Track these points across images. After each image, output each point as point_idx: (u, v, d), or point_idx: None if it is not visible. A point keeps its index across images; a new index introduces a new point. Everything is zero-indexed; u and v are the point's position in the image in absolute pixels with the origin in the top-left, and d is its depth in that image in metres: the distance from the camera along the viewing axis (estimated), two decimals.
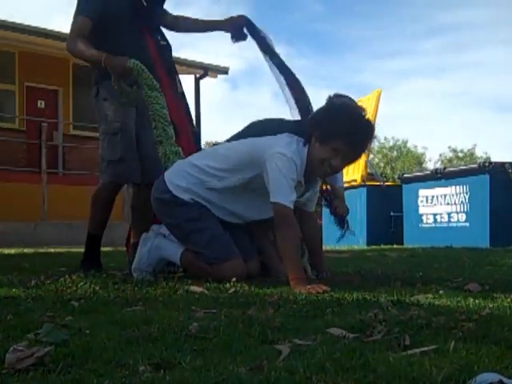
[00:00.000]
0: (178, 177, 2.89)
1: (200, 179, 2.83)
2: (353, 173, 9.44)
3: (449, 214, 8.51)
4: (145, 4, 3.46)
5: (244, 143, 2.89)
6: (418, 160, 39.99)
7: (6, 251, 6.70)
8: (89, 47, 3.26)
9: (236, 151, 2.84)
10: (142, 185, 3.42)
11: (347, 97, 3.06)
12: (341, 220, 3.34)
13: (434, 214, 8.78)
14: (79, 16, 3.30)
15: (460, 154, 40.41)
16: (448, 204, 8.50)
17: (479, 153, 39.21)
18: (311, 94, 3.26)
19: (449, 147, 41.41)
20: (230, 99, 63.64)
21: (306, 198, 2.85)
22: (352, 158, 2.74)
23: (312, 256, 3.02)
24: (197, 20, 3.66)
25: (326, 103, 2.84)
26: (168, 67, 3.52)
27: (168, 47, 3.57)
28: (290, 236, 2.56)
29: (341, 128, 2.58)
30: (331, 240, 9.25)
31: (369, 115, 2.74)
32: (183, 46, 60.26)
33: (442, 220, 8.65)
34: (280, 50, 3.43)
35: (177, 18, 3.60)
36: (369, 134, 2.71)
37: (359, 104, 2.90)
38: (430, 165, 39.37)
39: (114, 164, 3.34)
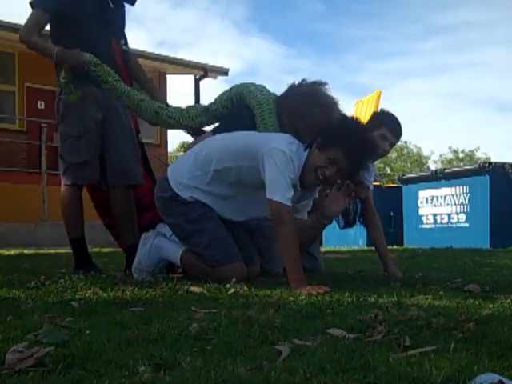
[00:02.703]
0: (179, 173, 2.89)
1: (200, 172, 2.82)
2: None
3: (449, 215, 8.51)
4: (111, 5, 3.44)
5: (244, 134, 2.87)
6: (417, 160, 39.96)
7: (6, 252, 6.70)
8: (44, 39, 3.29)
9: (235, 141, 2.82)
10: (118, 185, 3.38)
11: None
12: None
13: (434, 215, 8.79)
14: (35, 8, 3.30)
15: (461, 155, 40.38)
16: (448, 205, 8.50)
17: (479, 154, 39.15)
18: None
19: (449, 147, 41.44)
20: None
21: (300, 205, 2.83)
22: (349, 173, 2.68)
23: None
24: (141, 68, 3.69)
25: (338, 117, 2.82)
26: (129, 75, 3.54)
27: (128, 52, 3.58)
28: (288, 235, 2.54)
29: (341, 138, 2.57)
30: (331, 240, 9.29)
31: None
32: (183, 46, 60.35)
33: (442, 221, 8.65)
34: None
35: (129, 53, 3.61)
36: (369, 152, 2.68)
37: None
38: (430, 165, 39.41)
39: (77, 167, 3.32)
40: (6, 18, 11.35)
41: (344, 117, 2.80)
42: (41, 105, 12.64)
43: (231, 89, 3.07)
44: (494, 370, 1.10)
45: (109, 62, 3.36)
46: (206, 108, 3.11)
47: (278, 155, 2.56)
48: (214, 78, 14.35)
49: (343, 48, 67.98)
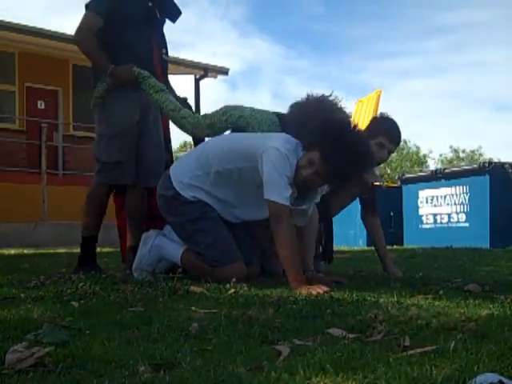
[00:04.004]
0: (182, 172, 2.89)
1: (201, 172, 2.82)
2: None
3: (449, 215, 8.51)
4: (158, 16, 3.48)
5: (244, 136, 2.87)
6: (417, 159, 39.96)
7: (6, 252, 6.70)
8: (99, 49, 3.28)
9: (235, 142, 2.83)
10: (137, 186, 3.41)
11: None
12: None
13: (434, 215, 8.79)
14: (90, 12, 3.31)
15: (462, 155, 40.38)
16: (448, 204, 8.50)
17: (487, 154, 39.07)
18: None
19: (450, 147, 41.45)
20: (229, 100, 63.64)
21: (300, 209, 2.77)
22: (332, 178, 2.65)
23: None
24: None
25: (323, 115, 2.76)
26: (165, 81, 3.56)
27: (167, 61, 3.61)
28: (286, 235, 2.53)
29: (321, 141, 2.56)
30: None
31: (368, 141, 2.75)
32: (183, 46, 60.31)
33: (442, 220, 8.65)
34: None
35: None
36: (353, 159, 2.55)
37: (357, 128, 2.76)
38: (430, 164, 39.42)
39: (110, 166, 3.33)
40: (7, 18, 11.36)
41: (332, 120, 2.73)
42: (41, 105, 12.64)
43: (240, 118, 3.02)
44: (493, 370, 1.10)
45: (149, 68, 3.36)
46: (212, 124, 3.11)
47: (274, 154, 2.56)
48: (214, 77, 14.35)
49: (343, 48, 67.99)
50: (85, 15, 3.33)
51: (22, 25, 11.42)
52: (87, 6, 3.34)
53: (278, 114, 3.07)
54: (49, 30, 11.78)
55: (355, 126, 2.71)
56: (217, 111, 3.13)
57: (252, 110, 3.07)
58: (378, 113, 3.27)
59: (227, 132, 3.17)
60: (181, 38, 63.90)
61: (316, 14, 62.87)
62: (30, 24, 11.58)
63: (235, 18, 65.65)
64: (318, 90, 2.96)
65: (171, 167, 3.01)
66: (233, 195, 2.82)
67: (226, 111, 3.07)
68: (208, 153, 2.85)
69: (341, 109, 2.95)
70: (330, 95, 2.94)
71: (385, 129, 3.15)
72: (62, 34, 11.92)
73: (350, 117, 3.04)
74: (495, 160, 12.75)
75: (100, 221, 3.43)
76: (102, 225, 3.64)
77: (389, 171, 36.68)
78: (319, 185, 2.75)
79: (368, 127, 3.19)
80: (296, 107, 2.95)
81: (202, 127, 3.13)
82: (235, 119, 3.02)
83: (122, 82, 3.26)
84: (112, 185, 3.43)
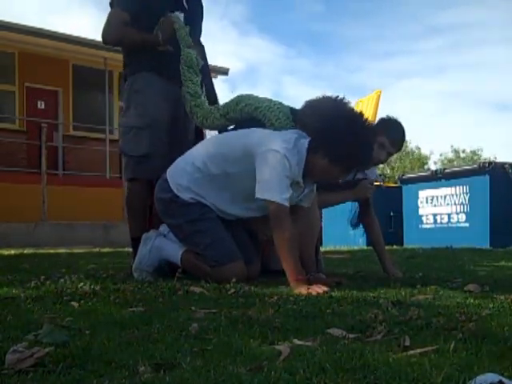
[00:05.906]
0: (180, 175, 2.89)
1: (199, 175, 2.82)
2: None
3: (449, 215, 8.51)
4: (186, 7, 3.36)
5: (240, 136, 2.84)
6: (418, 159, 39.96)
7: (6, 252, 6.70)
8: (135, 31, 3.17)
9: (231, 144, 2.82)
10: (140, 180, 3.29)
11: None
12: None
13: (434, 215, 8.79)
14: (116, 8, 3.22)
15: (462, 155, 40.41)
16: (448, 204, 8.51)
17: (486, 154, 39.12)
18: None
19: (451, 146, 41.54)
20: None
21: (303, 195, 2.82)
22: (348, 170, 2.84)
23: (300, 253, 2.75)
24: None
25: (331, 114, 2.70)
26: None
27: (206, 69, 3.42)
28: (286, 235, 2.53)
29: (352, 156, 2.62)
30: (331, 240, 9.29)
31: (369, 118, 2.75)
32: None
33: (442, 220, 8.66)
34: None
35: None
36: (371, 150, 2.78)
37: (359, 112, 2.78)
38: (431, 166, 39.43)
39: (137, 160, 3.21)
40: (6, 18, 11.38)
41: (349, 126, 2.64)
42: (41, 105, 12.66)
43: (257, 109, 2.95)
44: (493, 370, 1.10)
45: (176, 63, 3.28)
46: (225, 114, 3.07)
47: (273, 156, 2.55)
48: (214, 77, 14.33)
49: (343, 48, 67.94)
50: (110, 13, 3.25)
51: (21, 25, 11.44)
52: (111, 4, 3.26)
53: (291, 109, 3.04)
54: (48, 30, 11.80)
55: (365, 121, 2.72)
56: (231, 100, 3.06)
57: (269, 101, 2.99)
58: (386, 114, 3.25)
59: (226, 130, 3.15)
60: None
61: (316, 12, 62.91)
62: (30, 24, 11.61)
63: (235, 17, 65.70)
64: (319, 90, 2.95)
65: (168, 170, 2.99)
66: (232, 196, 2.82)
67: (241, 100, 3.00)
68: (204, 155, 2.84)
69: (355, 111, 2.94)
70: (343, 98, 2.90)
71: (389, 130, 3.13)
72: (62, 33, 11.95)
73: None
74: (495, 160, 12.79)
75: (144, 220, 3.27)
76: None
77: (389, 171, 36.71)
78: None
79: (376, 125, 3.16)
80: (310, 105, 2.90)
81: (213, 118, 3.06)
82: (251, 110, 2.95)
83: (171, 33, 3.16)
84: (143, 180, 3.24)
